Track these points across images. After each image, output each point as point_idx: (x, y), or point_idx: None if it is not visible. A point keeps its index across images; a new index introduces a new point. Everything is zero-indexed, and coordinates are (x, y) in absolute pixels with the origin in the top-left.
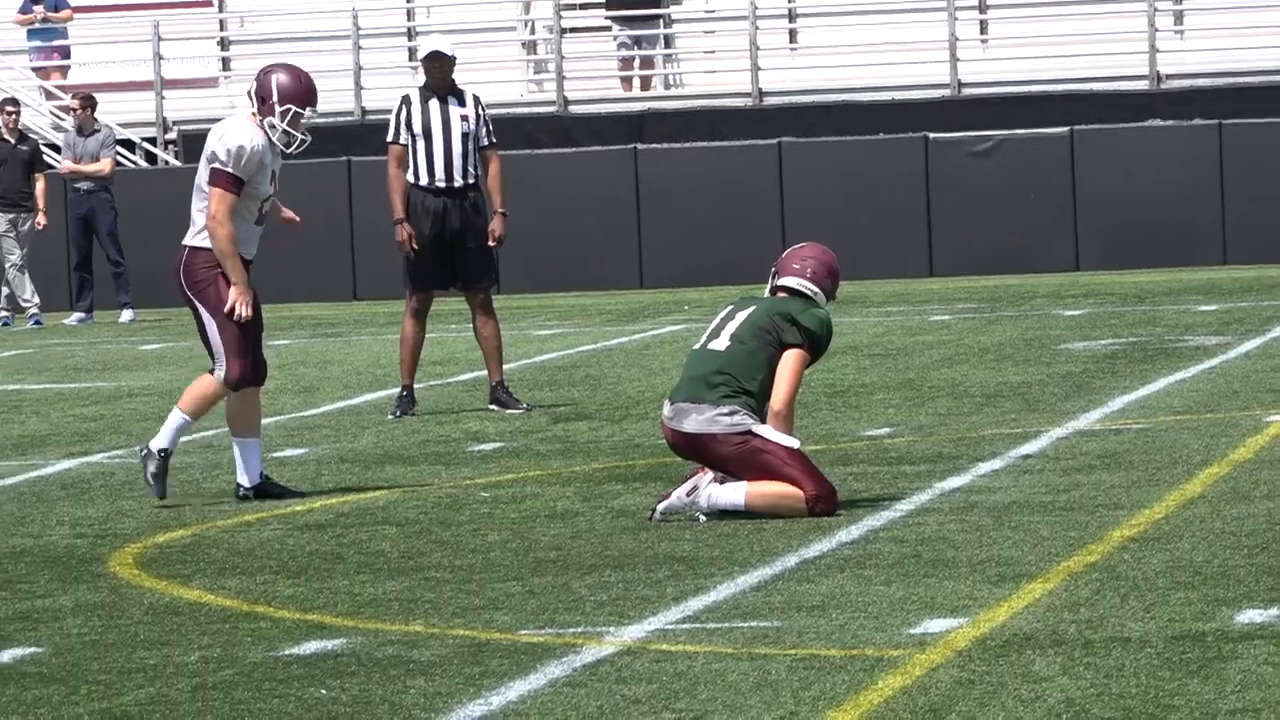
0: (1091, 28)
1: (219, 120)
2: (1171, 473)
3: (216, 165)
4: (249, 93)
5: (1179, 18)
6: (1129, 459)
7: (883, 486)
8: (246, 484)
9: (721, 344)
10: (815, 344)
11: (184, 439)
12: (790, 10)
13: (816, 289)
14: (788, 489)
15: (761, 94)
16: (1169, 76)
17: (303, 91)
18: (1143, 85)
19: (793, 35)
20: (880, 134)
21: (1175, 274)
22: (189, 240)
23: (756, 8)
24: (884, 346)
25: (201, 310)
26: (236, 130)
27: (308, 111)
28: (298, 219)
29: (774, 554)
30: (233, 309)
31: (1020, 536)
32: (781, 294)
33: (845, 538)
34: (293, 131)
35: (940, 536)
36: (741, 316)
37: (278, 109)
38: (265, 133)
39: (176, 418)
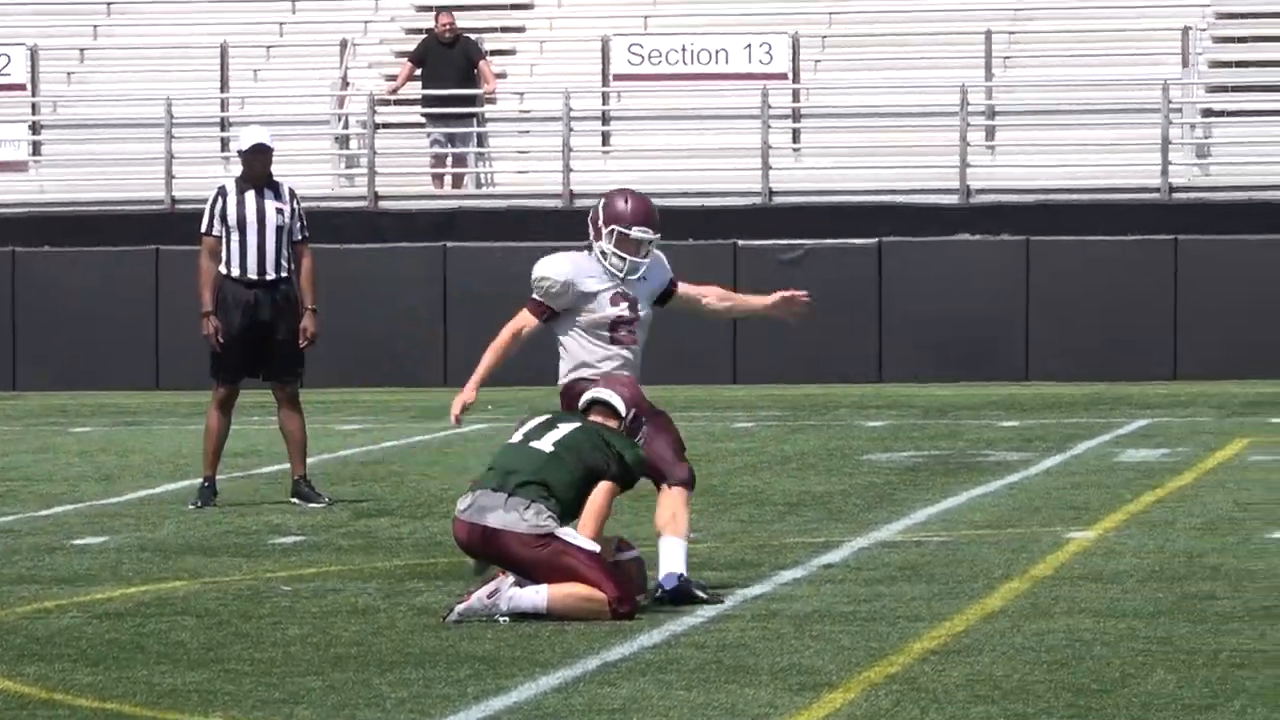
0: (903, 140)
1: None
2: (972, 586)
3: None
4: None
5: (990, 133)
6: (930, 571)
7: None
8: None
9: (545, 446)
10: (630, 480)
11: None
12: (604, 113)
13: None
14: (590, 591)
15: (573, 195)
16: (979, 191)
17: (628, 211)
18: (953, 199)
19: (605, 138)
20: (690, 239)
21: (978, 388)
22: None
23: (571, 110)
24: (689, 453)
25: None
26: (546, 260)
27: (635, 231)
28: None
29: (575, 656)
30: None
31: (821, 645)
32: (600, 413)
33: (647, 641)
34: (622, 254)
35: (741, 643)
36: (566, 428)
37: (604, 230)
38: (598, 261)
39: None
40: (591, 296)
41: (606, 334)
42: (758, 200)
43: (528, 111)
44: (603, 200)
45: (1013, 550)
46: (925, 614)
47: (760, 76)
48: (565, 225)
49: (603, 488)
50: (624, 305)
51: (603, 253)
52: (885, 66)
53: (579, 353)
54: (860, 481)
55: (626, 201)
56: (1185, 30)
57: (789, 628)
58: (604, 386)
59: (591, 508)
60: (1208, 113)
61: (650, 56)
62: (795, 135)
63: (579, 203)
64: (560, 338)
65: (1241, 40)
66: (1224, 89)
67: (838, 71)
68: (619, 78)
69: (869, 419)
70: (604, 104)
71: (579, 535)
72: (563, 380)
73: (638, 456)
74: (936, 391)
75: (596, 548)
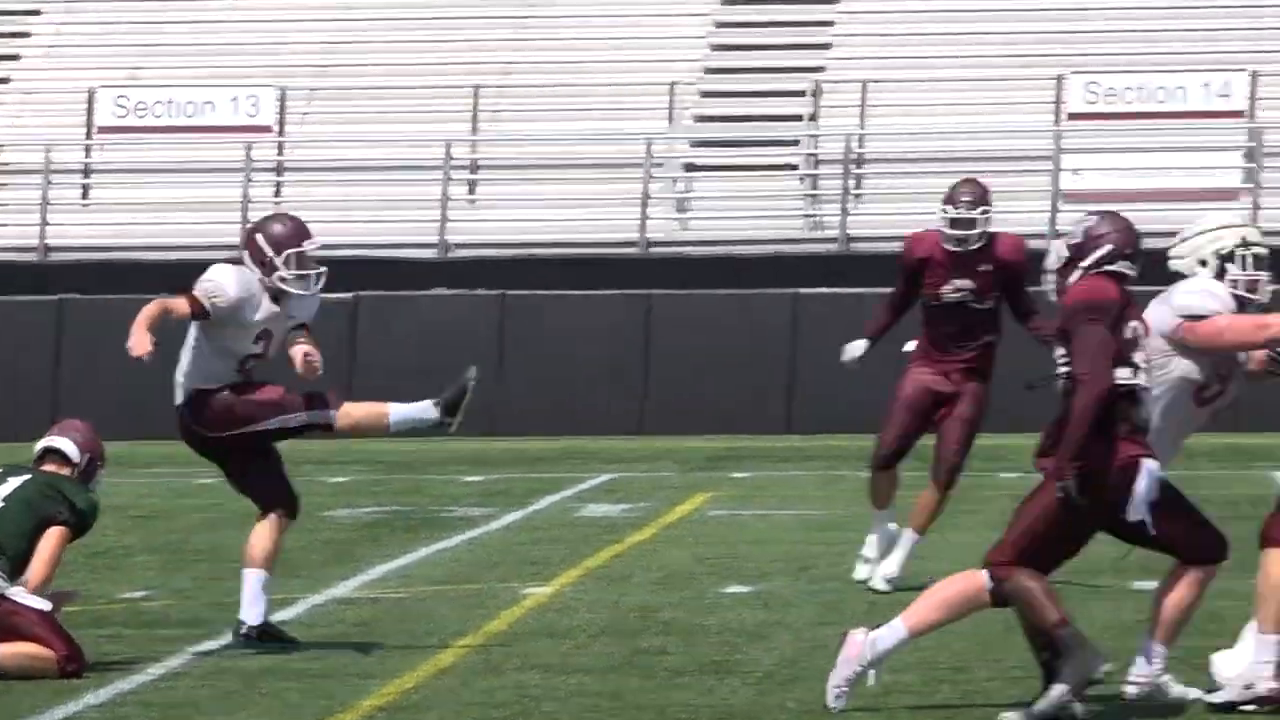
0: (383, 194)
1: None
2: (426, 642)
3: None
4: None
5: (473, 187)
6: (384, 628)
7: (136, 649)
8: None
9: None
10: (83, 526)
11: None
12: (86, 166)
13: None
14: (39, 649)
15: (47, 249)
16: (458, 245)
17: (292, 230)
18: (431, 254)
19: (86, 191)
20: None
21: (444, 443)
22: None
23: (51, 163)
24: (148, 508)
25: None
26: (227, 270)
27: (308, 246)
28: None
29: (18, 715)
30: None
31: (270, 703)
32: (53, 461)
33: (93, 700)
34: (303, 271)
35: (189, 701)
36: (15, 482)
37: (278, 260)
38: (265, 290)
39: None
40: (242, 329)
41: (234, 363)
42: (235, 253)
43: (7, 164)
44: (257, 235)
45: (468, 606)
46: (377, 671)
47: (247, 129)
48: (39, 279)
49: (53, 533)
50: (262, 345)
51: (282, 279)
52: (373, 120)
53: (205, 365)
54: (320, 537)
55: (283, 224)
56: (672, 85)
57: (238, 685)
58: (57, 434)
59: (41, 554)
60: (690, 167)
61: (136, 109)
62: (278, 189)
63: (53, 256)
64: (195, 340)
65: (728, 95)
66: (708, 144)
67: (325, 125)
68: (104, 130)
69: (332, 475)
70: (87, 156)
71: (28, 594)
72: (183, 390)
73: (90, 502)
74: (400, 446)
75: (47, 606)
